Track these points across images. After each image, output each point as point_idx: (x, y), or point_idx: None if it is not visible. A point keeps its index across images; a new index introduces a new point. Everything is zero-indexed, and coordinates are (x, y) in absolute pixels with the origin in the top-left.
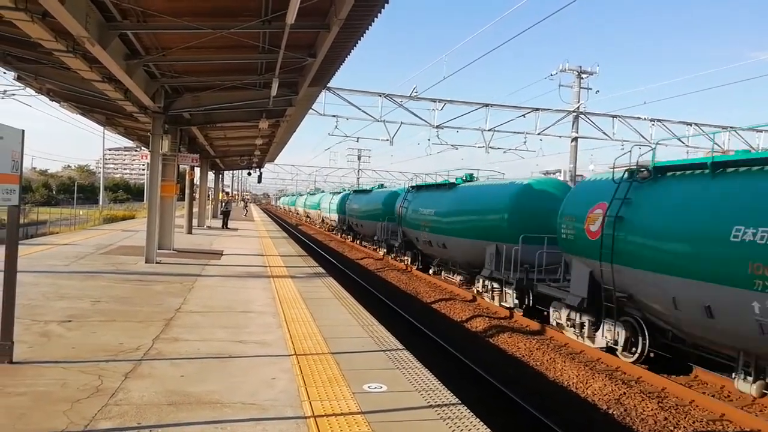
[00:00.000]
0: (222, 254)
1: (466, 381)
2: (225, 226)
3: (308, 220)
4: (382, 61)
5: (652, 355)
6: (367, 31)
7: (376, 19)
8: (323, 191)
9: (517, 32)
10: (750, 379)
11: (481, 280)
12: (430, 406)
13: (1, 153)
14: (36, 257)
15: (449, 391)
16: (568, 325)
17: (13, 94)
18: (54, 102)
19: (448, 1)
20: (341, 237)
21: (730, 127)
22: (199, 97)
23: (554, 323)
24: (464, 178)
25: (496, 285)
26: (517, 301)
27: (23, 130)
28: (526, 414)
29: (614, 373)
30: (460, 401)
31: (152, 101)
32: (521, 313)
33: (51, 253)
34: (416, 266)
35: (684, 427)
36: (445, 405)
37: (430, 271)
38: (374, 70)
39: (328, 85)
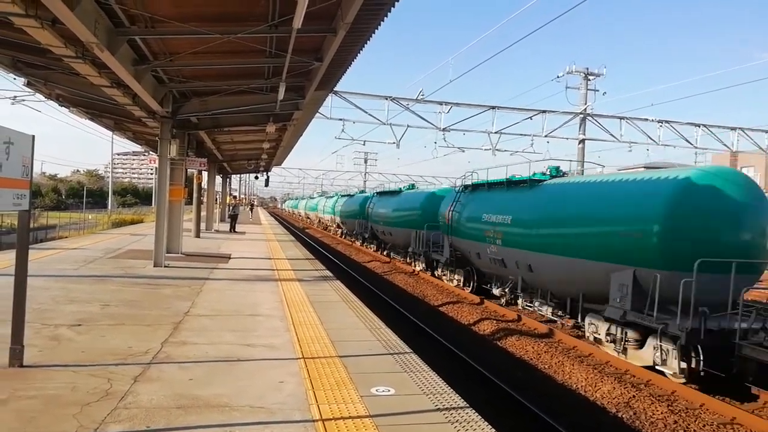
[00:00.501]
0: (230, 258)
1: (473, 383)
2: (233, 229)
3: (321, 224)
4: (388, 64)
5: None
6: (373, 34)
7: (382, 22)
8: (337, 194)
9: (524, 35)
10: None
11: (600, 324)
12: (438, 409)
13: (12, 158)
14: (46, 261)
15: (457, 395)
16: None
17: (23, 100)
18: (63, 107)
19: (455, 3)
20: (365, 246)
21: (739, 128)
22: (207, 101)
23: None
24: (549, 172)
25: (632, 333)
26: (683, 366)
27: (33, 136)
28: (535, 417)
29: (623, 376)
30: (468, 404)
31: (160, 106)
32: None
33: (60, 257)
34: (470, 288)
35: (694, 430)
36: (453, 408)
37: (504, 301)
38: (381, 73)
39: (335, 88)
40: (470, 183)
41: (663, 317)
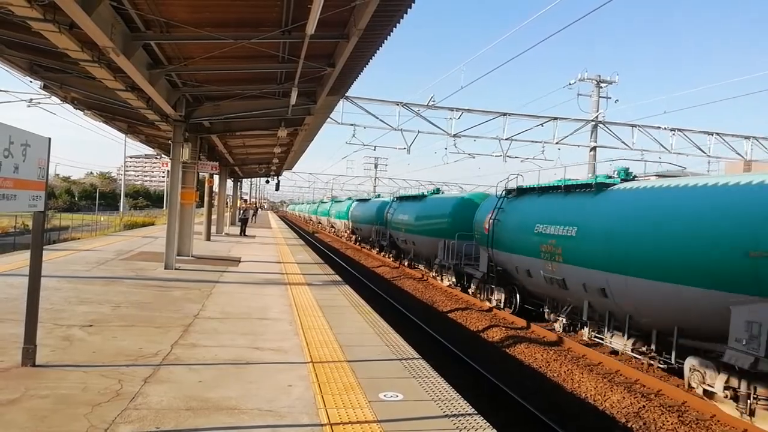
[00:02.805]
0: (240, 261)
1: (480, 390)
2: (243, 233)
3: (333, 229)
4: (400, 70)
5: None
6: (386, 40)
7: (395, 29)
8: (350, 198)
9: (536, 42)
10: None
11: (711, 372)
12: (447, 416)
13: (28, 160)
14: (58, 262)
15: (466, 402)
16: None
17: (39, 103)
18: (78, 110)
19: (468, 9)
20: (383, 255)
21: (753, 137)
22: (220, 105)
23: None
24: (617, 174)
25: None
26: None
27: (49, 138)
28: (543, 425)
29: (633, 386)
30: (476, 411)
31: (174, 109)
32: None
33: (73, 259)
34: (512, 310)
35: None
36: (462, 415)
37: (560, 327)
38: (392, 79)
39: (347, 94)
40: (516, 187)
41: None
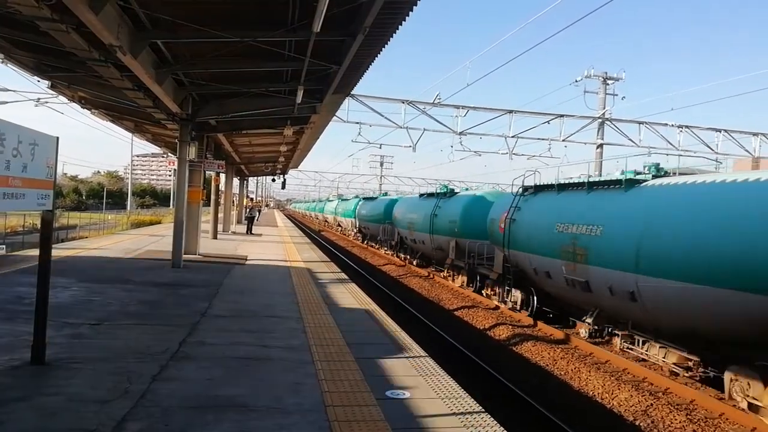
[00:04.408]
0: (246, 259)
1: (490, 386)
2: (249, 231)
3: (339, 228)
4: (405, 67)
5: None
6: (391, 38)
7: (400, 26)
8: (357, 197)
9: (542, 39)
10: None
11: (758, 384)
12: (454, 413)
13: (36, 160)
14: (67, 261)
15: (473, 399)
16: None
17: (47, 102)
18: (85, 109)
19: (473, 6)
20: (389, 254)
21: (761, 133)
22: (226, 104)
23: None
24: (647, 170)
25: None
26: None
27: (57, 138)
28: (550, 423)
29: (641, 384)
30: (483, 409)
31: (180, 108)
32: None
33: (81, 257)
34: (529, 312)
35: None
36: (469, 413)
37: (587, 333)
38: (398, 77)
39: (352, 92)
40: (533, 184)
41: None
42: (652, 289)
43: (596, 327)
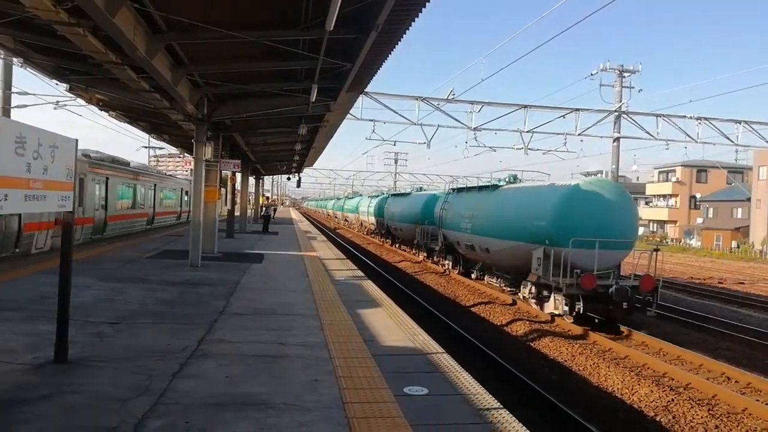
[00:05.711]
0: (263, 257)
1: (509, 384)
2: (265, 230)
3: (363, 228)
4: (420, 64)
5: None
6: (405, 34)
7: (413, 23)
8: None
9: (557, 32)
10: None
11: None
12: (472, 410)
13: (57, 162)
14: (87, 261)
15: (491, 396)
16: None
17: (65, 105)
18: (103, 111)
19: (487, 2)
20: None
21: None
22: (241, 104)
23: None
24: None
25: None
26: None
27: (77, 140)
28: (570, 420)
29: (661, 379)
30: (502, 405)
31: (196, 109)
32: None
33: (100, 257)
34: (456, 270)
35: None
36: (487, 409)
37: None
38: (412, 73)
39: (366, 89)
40: (456, 187)
41: None
42: (495, 244)
43: (481, 273)
